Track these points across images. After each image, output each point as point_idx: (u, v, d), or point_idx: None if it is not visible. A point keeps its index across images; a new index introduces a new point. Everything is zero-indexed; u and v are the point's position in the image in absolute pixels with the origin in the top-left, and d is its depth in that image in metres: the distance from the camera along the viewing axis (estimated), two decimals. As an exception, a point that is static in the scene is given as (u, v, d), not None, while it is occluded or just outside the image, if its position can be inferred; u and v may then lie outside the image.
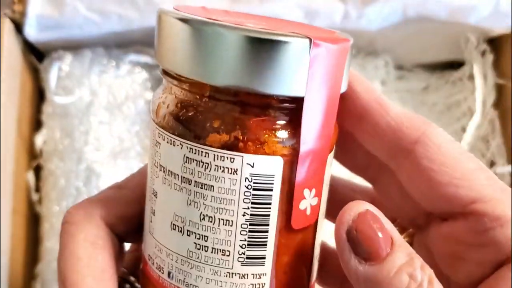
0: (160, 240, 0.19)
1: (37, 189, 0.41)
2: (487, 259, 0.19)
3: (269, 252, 0.18)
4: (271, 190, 0.18)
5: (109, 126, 0.40)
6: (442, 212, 0.20)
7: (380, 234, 0.17)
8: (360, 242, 0.17)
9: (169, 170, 0.18)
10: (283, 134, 0.18)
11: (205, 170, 0.18)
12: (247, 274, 0.18)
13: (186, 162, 0.18)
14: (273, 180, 0.18)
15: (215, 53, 0.17)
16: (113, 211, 0.21)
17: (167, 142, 0.18)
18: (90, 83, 0.40)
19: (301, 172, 0.18)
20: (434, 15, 0.40)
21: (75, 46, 0.41)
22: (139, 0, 0.38)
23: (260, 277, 0.19)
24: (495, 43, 0.44)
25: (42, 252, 0.40)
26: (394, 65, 0.46)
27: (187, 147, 0.18)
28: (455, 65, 0.47)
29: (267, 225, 0.18)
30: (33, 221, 0.41)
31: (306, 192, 0.18)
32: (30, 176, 0.41)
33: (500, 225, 0.18)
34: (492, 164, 0.44)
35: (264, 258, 0.18)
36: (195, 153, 0.18)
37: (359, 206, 0.18)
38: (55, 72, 0.40)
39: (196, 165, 0.18)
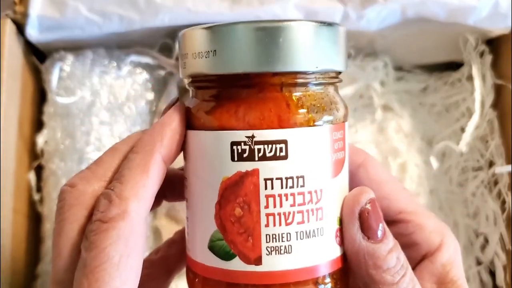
0: None
1: (38, 189, 0.41)
2: (411, 256, 0.24)
3: None
4: None
5: (110, 126, 0.40)
6: None
7: (382, 220, 0.23)
8: (369, 222, 0.22)
9: None
10: None
11: None
12: None
13: None
14: None
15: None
16: (146, 203, 0.22)
17: None
18: (91, 83, 0.40)
19: None
20: (433, 16, 0.40)
21: (76, 47, 0.41)
22: (140, 1, 0.38)
23: None
24: (494, 43, 0.45)
25: (44, 252, 0.40)
26: (393, 66, 0.47)
27: None
28: (454, 66, 0.47)
29: None
30: (35, 221, 0.41)
31: None
32: (31, 176, 0.41)
33: (419, 230, 0.25)
34: (491, 164, 0.44)
35: None
36: None
37: (369, 193, 0.23)
38: (57, 73, 0.40)
39: None
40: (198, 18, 0.39)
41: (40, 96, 0.42)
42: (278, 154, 0.20)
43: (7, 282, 0.37)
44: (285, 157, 0.20)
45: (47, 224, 0.40)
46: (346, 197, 0.23)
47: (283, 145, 0.20)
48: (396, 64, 0.47)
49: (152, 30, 0.39)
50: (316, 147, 0.21)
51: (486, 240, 0.44)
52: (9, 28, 0.38)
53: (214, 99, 0.22)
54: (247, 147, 0.20)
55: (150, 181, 0.21)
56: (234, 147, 0.20)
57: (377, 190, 0.24)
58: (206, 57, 0.20)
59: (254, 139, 0.20)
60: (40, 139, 0.41)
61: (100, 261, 0.20)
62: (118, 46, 0.42)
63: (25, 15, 0.38)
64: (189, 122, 0.22)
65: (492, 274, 0.43)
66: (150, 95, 0.42)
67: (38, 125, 0.42)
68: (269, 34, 0.20)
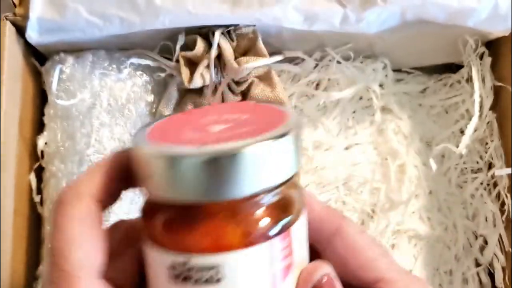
0: None
1: (39, 191, 0.41)
2: None
3: None
4: None
5: (110, 128, 0.40)
6: None
7: None
8: None
9: None
10: None
11: None
12: None
13: None
14: None
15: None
16: (100, 188, 0.22)
17: None
18: (92, 86, 0.40)
19: None
20: (432, 18, 0.40)
21: (76, 49, 0.41)
22: (140, 3, 0.38)
23: None
24: (493, 45, 0.45)
25: (44, 253, 0.40)
26: (392, 67, 0.47)
27: None
28: (453, 67, 0.47)
29: None
30: (35, 223, 0.41)
31: None
32: (32, 178, 0.41)
33: None
34: (490, 166, 0.45)
35: None
36: None
37: (324, 268, 0.22)
38: (57, 75, 0.40)
39: None
40: (198, 20, 0.39)
41: (41, 98, 0.42)
42: (213, 278, 0.20)
43: (8, 284, 0.37)
44: (220, 281, 0.20)
45: (48, 226, 0.40)
46: (298, 278, 0.22)
47: (218, 269, 0.20)
48: (395, 66, 0.47)
49: (152, 32, 0.39)
50: (256, 266, 0.20)
51: (485, 242, 0.44)
52: (9, 30, 0.38)
53: (160, 218, 0.22)
54: (182, 271, 0.20)
55: (105, 174, 0.22)
56: (170, 270, 0.21)
57: (354, 258, 0.23)
58: (152, 179, 0.21)
59: (190, 263, 0.20)
60: (41, 141, 0.41)
61: (61, 239, 0.21)
62: (118, 48, 0.42)
63: (25, 17, 0.38)
64: (144, 231, 0.23)
65: (491, 275, 0.44)
66: (150, 97, 0.42)
67: (38, 126, 0.42)
68: (212, 164, 0.19)
